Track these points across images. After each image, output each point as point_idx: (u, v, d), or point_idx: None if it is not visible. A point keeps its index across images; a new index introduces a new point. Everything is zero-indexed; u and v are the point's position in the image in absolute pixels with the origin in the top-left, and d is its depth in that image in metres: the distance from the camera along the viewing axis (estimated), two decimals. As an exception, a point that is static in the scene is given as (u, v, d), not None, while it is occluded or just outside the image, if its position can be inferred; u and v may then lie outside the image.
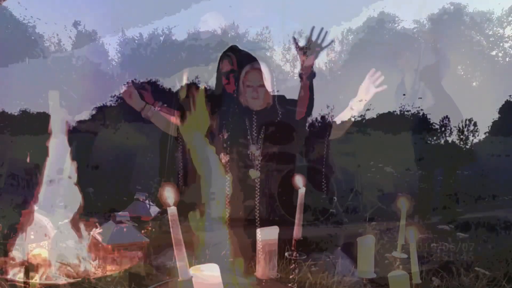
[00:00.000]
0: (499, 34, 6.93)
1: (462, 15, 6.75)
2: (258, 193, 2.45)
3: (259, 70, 2.56)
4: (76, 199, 1.85)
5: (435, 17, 6.79)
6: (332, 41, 2.61)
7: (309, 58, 2.43)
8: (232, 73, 2.61)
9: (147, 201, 3.39)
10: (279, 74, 6.90)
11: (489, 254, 2.19)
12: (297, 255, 1.74)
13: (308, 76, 2.48)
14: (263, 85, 2.54)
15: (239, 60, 2.60)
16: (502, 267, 2.03)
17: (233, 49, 2.69)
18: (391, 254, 2.10)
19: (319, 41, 2.45)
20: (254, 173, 2.47)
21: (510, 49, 6.95)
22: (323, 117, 5.81)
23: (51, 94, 1.88)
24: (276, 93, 2.67)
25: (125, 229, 2.09)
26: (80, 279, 1.66)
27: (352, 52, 6.85)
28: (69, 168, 1.85)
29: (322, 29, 2.44)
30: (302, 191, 1.78)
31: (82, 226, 1.89)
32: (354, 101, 2.50)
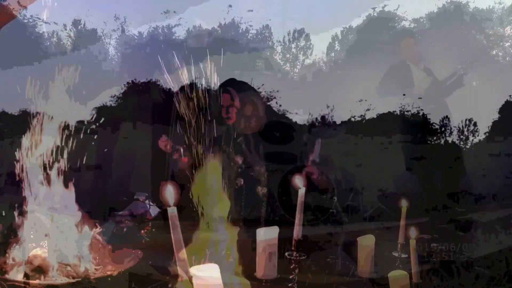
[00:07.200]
0: (499, 33, 6.91)
1: (462, 14, 6.72)
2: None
3: (253, 99, 2.67)
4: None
5: (435, 15, 6.76)
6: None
7: None
8: (233, 107, 2.69)
9: (147, 201, 3.39)
10: (278, 72, 6.88)
11: (489, 254, 2.19)
12: (297, 255, 1.74)
13: None
14: (257, 114, 2.64)
15: (238, 94, 2.70)
16: (502, 267, 2.03)
17: (231, 82, 2.77)
18: (391, 254, 2.11)
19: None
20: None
21: (510, 49, 6.93)
22: (323, 117, 5.80)
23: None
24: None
25: (125, 229, 2.10)
26: (80, 279, 1.66)
27: (352, 51, 6.84)
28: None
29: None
30: (302, 191, 1.78)
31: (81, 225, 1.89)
32: None
